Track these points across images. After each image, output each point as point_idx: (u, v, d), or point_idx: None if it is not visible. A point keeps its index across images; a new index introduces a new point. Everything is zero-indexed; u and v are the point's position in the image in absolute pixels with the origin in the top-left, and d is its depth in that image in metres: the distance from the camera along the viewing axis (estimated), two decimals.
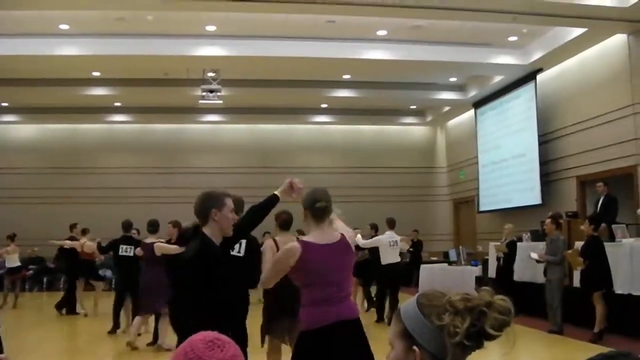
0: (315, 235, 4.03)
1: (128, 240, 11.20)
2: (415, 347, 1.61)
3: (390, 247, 12.26)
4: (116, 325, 11.30)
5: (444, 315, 1.59)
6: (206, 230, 3.93)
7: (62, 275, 16.68)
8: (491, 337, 1.59)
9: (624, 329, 9.81)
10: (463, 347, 1.58)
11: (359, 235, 11.65)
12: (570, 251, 10.01)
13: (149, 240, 9.98)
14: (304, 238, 4.08)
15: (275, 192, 4.43)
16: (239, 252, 5.72)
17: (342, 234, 4.10)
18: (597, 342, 9.36)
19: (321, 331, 3.86)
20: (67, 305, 14.13)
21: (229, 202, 4.00)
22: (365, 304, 14.26)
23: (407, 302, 1.70)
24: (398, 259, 12.48)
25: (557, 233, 10.83)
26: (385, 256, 12.25)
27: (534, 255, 11.06)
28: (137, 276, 10.30)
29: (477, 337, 1.59)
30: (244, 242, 5.69)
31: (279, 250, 4.98)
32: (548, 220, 10.95)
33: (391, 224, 12.65)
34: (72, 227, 14.67)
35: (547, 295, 10.71)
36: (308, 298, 3.97)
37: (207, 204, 3.94)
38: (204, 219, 3.95)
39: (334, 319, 3.86)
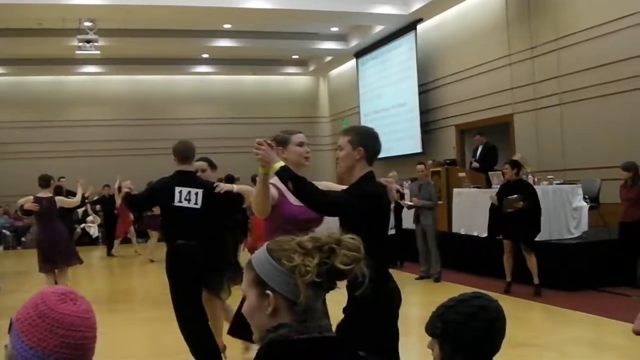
0: None
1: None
2: (268, 292, 1.64)
3: None
4: None
5: (294, 256, 1.63)
6: None
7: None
8: (342, 274, 1.64)
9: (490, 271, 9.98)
10: (315, 288, 1.62)
11: None
12: (515, 196, 9.42)
13: (41, 194, 9.05)
14: None
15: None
16: None
17: None
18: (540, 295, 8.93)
19: None
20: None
21: None
22: None
23: (257, 251, 1.72)
24: None
25: (427, 178, 11.43)
26: None
27: (408, 202, 11.30)
28: None
29: (329, 275, 1.63)
30: None
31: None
32: (421, 166, 11.36)
33: None
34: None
35: (420, 242, 11.05)
36: None
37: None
38: None
39: None
